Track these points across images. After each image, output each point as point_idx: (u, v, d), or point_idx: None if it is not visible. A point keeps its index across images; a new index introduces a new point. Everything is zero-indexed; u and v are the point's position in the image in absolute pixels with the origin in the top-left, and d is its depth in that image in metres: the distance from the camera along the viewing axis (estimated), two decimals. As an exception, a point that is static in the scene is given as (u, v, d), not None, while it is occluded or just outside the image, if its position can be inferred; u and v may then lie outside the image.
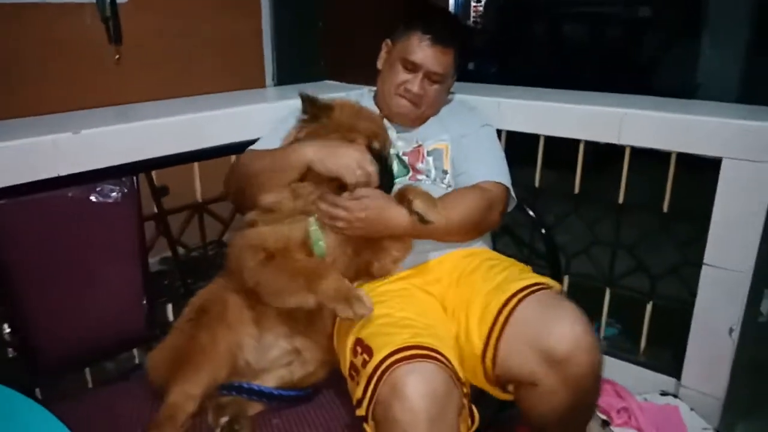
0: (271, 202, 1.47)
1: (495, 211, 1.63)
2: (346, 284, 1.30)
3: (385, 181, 1.51)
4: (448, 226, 1.49)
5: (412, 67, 1.69)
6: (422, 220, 1.39)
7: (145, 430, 1.31)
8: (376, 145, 1.55)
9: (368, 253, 1.52)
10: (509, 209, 1.74)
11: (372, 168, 1.46)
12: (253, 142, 1.76)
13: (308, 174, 1.47)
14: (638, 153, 1.89)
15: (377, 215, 1.43)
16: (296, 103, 1.59)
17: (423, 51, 1.67)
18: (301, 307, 1.35)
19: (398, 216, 1.44)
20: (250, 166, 1.57)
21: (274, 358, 1.46)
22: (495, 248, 1.77)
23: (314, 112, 1.54)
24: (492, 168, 1.69)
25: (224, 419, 1.35)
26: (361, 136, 1.53)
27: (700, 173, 1.77)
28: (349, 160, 1.45)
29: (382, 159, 1.53)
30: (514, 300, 1.36)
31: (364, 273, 1.54)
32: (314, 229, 1.42)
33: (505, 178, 1.68)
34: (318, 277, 1.31)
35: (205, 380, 1.35)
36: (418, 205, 1.39)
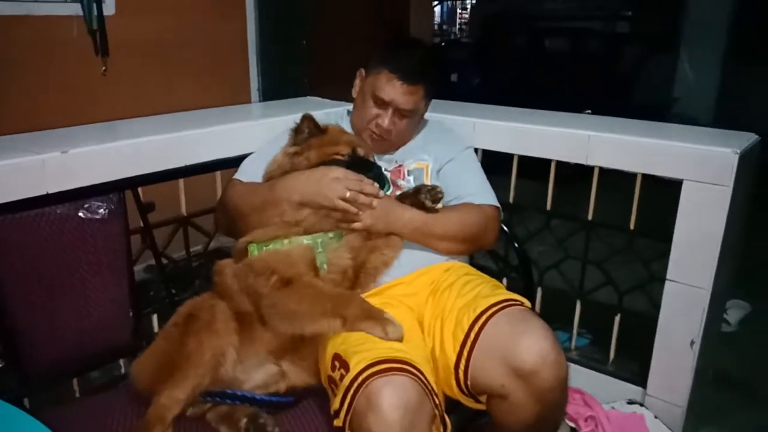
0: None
1: (491, 230, 1.70)
2: (373, 306, 1.42)
3: (378, 181, 1.58)
4: (447, 230, 1.61)
5: (381, 104, 1.70)
6: (428, 207, 1.57)
7: (135, 428, 1.36)
8: (360, 151, 1.62)
9: (363, 256, 1.57)
10: None
11: (355, 175, 1.52)
12: (237, 158, 1.81)
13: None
14: (607, 172, 1.96)
15: (385, 213, 1.54)
16: (280, 122, 1.65)
17: (392, 89, 1.68)
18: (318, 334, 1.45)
19: (404, 213, 1.57)
20: (241, 206, 1.62)
21: (261, 379, 1.50)
22: (471, 260, 1.83)
23: (311, 130, 1.62)
24: (483, 192, 1.73)
25: (243, 421, 1.41)
26: (344, 146, 1.60)
27: (665, 194, 1.85)
28: (329, 183, 1.51)
29: (368, 164, 1.60)
30: (485, 316, 1.42)
31: (355, 284, 1.58)
32: (320, 252, 1.50)
33: (496, 201, 1.73)
34: (346, 302, 1.42)
35: (191, 386, 1.39)
36: (422, 195, 1.57)
